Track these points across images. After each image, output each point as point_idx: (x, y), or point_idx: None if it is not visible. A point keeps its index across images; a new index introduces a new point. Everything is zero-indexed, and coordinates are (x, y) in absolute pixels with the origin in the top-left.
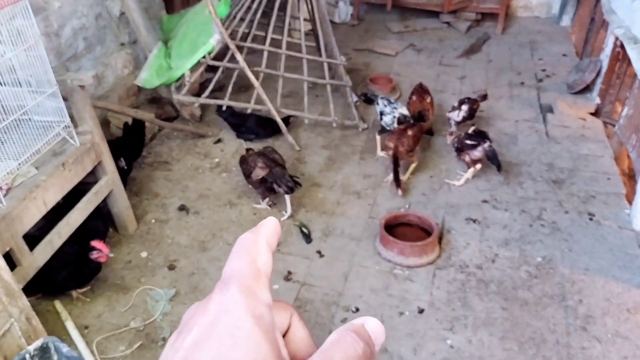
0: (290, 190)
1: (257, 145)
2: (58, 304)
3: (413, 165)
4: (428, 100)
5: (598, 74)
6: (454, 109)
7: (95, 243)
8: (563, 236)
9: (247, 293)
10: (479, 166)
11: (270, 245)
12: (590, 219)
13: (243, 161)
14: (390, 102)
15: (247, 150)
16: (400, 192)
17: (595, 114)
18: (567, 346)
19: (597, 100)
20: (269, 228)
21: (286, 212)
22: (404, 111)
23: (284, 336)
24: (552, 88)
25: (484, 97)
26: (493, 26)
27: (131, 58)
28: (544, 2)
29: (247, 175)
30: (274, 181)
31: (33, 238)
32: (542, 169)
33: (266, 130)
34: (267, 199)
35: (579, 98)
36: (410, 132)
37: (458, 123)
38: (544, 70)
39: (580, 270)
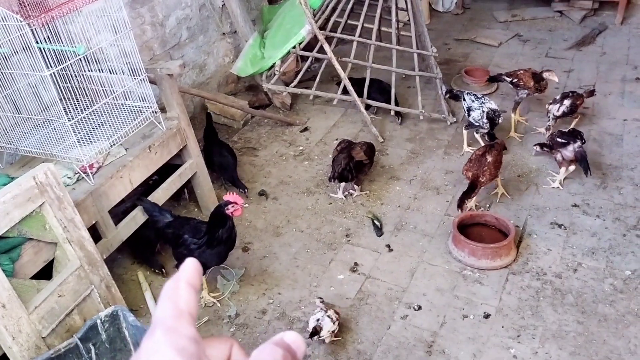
0: (330, 179)
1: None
2: (140, 275)
3: (499, 180)
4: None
5: None
6: (554, 101)
7: (228, 197)
8: None
9: (169, 332)
10: (572, 167)
11: (191, 284)
12: None
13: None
14: (477, 98)
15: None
16: (460, 211)
17: None
18: None
19: None
20: (188, 270)
21: (353, 190)
22: (493, 106)
23: None
24: None
25: (592, 92)
26: (612, 16)
27: (232, 47)
28: None
29: None
30: (334, 165)
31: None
32: None
33: (384, 97)
34: (342, 187)
35: None
36: (490, 159)
37: (557, 117)
38: None
39: None
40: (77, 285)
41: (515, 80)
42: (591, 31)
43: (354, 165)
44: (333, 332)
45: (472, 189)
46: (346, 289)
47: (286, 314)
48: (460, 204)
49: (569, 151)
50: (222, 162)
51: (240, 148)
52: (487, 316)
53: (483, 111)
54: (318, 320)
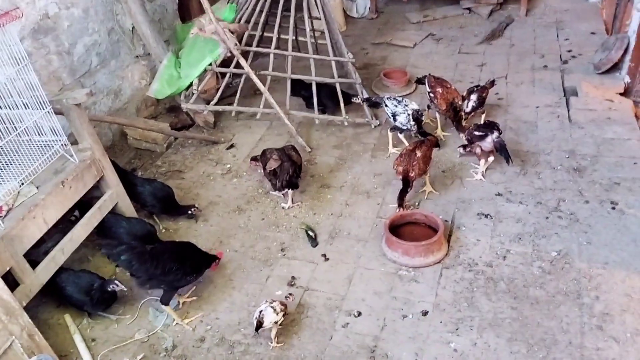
0: (276, 189)
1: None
2: (67, 318)
3: (427, 178)
4: (452, 87)
5: (626, 51)
6: (462, 99)
7: (218, 254)
8: (582, 228)
9: None
10: (491, 158)
11: None
12: (613, 208)
13: (262, 154)
14: (399, 101)
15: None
16: (399, 210)
17: (625, 93)
18: (580, 347)
19: (627, 79)
20: None
21: (285, 205)
22: (415, 106)
23: None
24: (578, 69)
25: (492, 83)
26: (516, 8)
27: (147, 69)
28: None
29: (264, 167)
30: (280, 174)
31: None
32: (562, 157)
33: (334, 101)
34: (291, 195)
35: (606, 78)
36: (419, 153)
37: (468, 114)
38: (569, 51)
39: (599, 265)
40: None
41: (432, 95)
42: (499, 25)
43: (296, 170)
44: (276, 322)
45: (406, 185)
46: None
47: (226, 338)
48: (400, 202)
49: (488, 142)
50: (158, 194)
51: (165, 172)
52: (425, 313)
53: (408, 114)
54: (261, 312)
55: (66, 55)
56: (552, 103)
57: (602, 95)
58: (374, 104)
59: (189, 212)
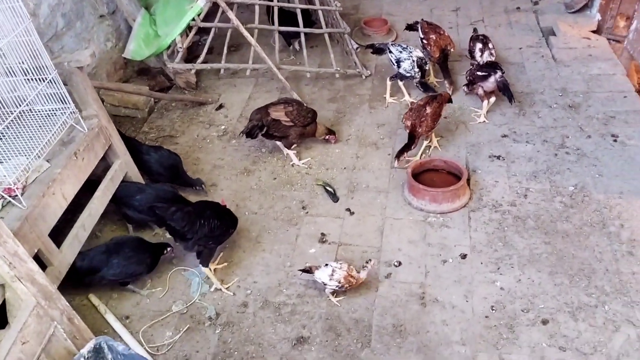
0: (239, 133)
1: None
2: (93, 297)
3: (427, 144)
4: (445, 33)
5: None
6: (481, 51)
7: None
8: (591, 161)
9: None
10: (493, 99)
11: None
12: (615, 141)
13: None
14: (404, 48)
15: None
16: (397, 163)
17: (597, 31)
18: (617, 273)
19: (598, 17)
20: None
21: (295, 161)
22: (419, 54)
23: None
24: (550, 9)
25: (475, 30)
26: None
27: (112, 30)
28: None
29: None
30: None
31: None
32: (556, 95)
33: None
34: (291, 152)
35: (579, 17)
36: (429, 110)
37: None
38: None
39: (615, 194)
40: (39, 325)
41: (425, 41)
42: None
43: (270, 124)
44: (324, 284)
45: (411, 140)
46: (322, 261)
47: (269, 301)
48: (398, 155)
49: (490, 83)
50: (165, 163)
51: (156, 138)
52: (464, 256)
53: (413, 60)
54: (326, 264)
55: (32, 18)
56: (533, 44)
57: (579, 34)
58: (378, 50)
59: (195, 188)
